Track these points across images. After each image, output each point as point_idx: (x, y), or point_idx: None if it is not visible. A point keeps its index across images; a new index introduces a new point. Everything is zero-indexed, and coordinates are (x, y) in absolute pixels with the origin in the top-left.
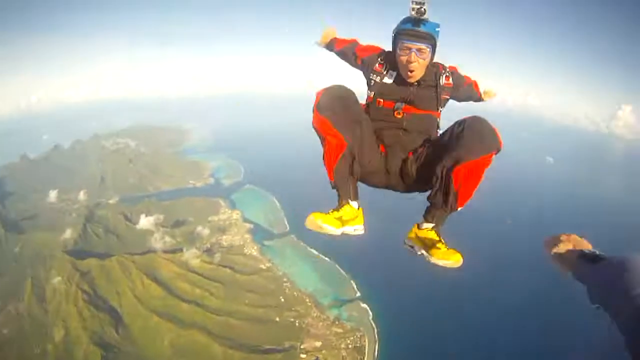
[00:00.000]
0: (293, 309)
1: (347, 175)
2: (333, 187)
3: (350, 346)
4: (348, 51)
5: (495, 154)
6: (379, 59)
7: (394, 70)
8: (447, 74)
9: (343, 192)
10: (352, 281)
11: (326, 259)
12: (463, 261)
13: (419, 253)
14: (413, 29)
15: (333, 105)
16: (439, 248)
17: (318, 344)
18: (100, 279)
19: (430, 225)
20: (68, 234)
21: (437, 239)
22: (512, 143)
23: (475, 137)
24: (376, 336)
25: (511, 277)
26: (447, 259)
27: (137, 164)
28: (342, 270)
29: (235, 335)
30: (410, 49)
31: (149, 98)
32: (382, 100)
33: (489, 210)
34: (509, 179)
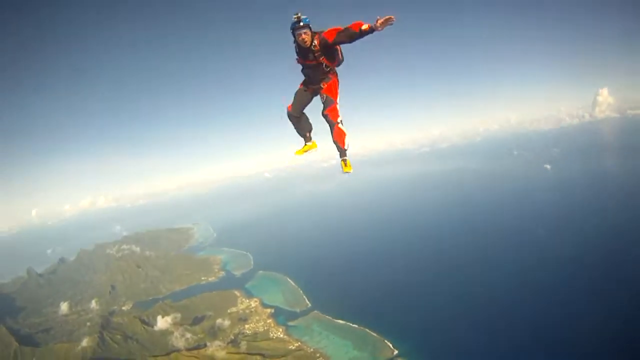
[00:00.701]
0: None
1: (298, 127)
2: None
3: None
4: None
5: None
6: (296, 58)
7: (299, 49)
8: (316, 39)
9: (303, 137)
10: (385, 341)
11: (354, 325)
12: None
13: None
14: (298, 24)
15: (292, 111)
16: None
17: None
18: None
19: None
20: (85, 342)
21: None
22: (506, 162)
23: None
24: None
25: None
26: (347, 169)
27: (146, 267)
28: (373, 333)
29: None
30: (300, 31)
31: (141, 205)
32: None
33: (513, 225)
34: (515, 194)
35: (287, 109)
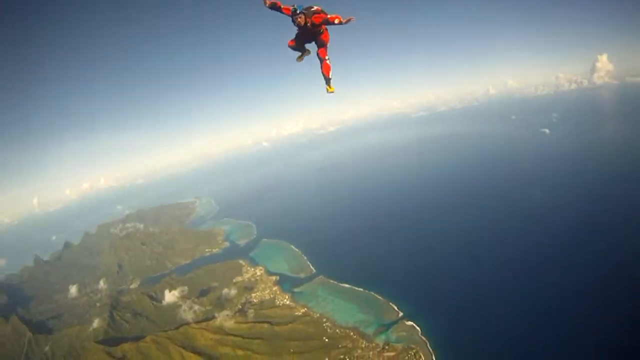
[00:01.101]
0: (340, 345)
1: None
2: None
3: None
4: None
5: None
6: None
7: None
8: (308, 21)
9: (303, 52)
10: (391, 303)
11: (359, 289)
12: None
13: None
14: (295, 13)
15: (295, 42)
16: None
17: None
18: None
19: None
20: (96, 324)
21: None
22: (504, 126)
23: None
24: (430, 349)
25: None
26: (331, 90)
27: (151, 244)
28: (378, 296)
29: None
30: (296, 17)
31: (140, 184)
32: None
33: (513, 187)
34: (513, 156)
35: (288, 43)
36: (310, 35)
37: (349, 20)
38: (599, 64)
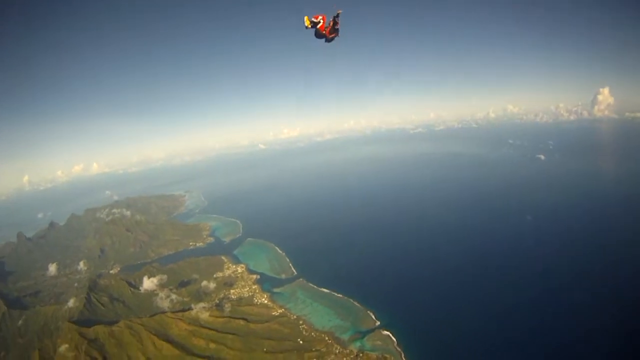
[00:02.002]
0: (314, 349)
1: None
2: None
3: None
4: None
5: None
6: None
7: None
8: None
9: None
10: (368, 311)
11: (339, 295)
12: None
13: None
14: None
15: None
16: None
17: None
18: (110, 345)
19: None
20: (72, 303)
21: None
22: (501, 149)
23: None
24: None
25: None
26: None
27: (135, 232)
28: (357, 304)
29: None
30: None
31: (133, 172)
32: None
33: (503, 208)
34: (508, 180)
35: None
36: (322, 34)
37: (338, 15)
38: (600, 97)
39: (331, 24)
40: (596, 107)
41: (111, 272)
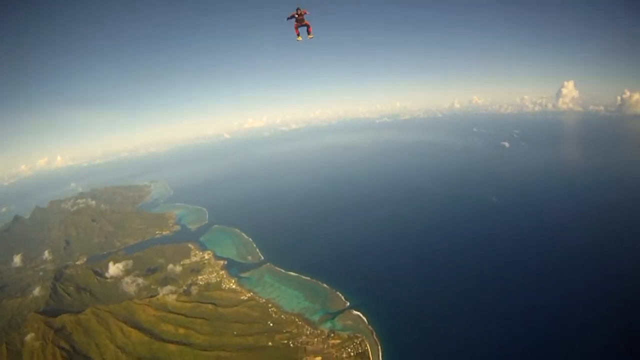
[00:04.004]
0: (285, 331)
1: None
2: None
3: (352, 354)
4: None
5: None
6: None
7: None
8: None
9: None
10: (338, 293)
11: (306, 277)
12: None
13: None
14: (299, 9)
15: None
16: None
17: (318, 359)
18: (77, 334)
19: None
20: (37, 292)
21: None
22: (466, 137)
23: None
24: (376, 339)
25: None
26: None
27: (101, 222)
28: (325, 285)
29: None
30: (299, 11)
31: (98, 164)
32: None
33: (470, 191)
34: (473, 165)
35: (294, 26)
36: (301, 21)
37: (304, 13)
38: (564, 90)
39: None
40: (561, 100)
41: (77, 263)
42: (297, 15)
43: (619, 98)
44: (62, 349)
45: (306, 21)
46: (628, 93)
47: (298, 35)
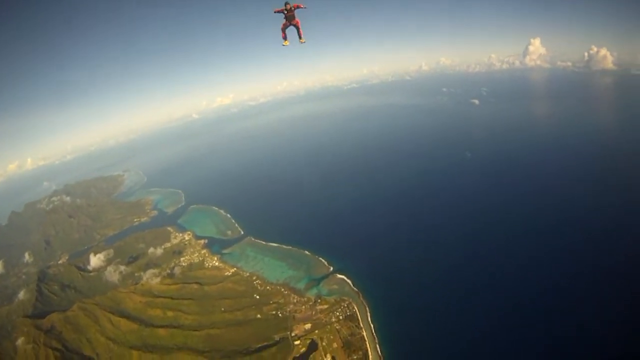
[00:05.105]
0: (272, 302)
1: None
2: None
3: (341, 317)
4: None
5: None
6: (284, 11)
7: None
8: (293, 6)
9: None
10: (320, 259)
11: (288, 247)
12: None
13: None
14: (287, 4)
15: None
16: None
17: (308, 326)
18: (67, 331)
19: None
20: (22, 295)
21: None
22: (436, 98)
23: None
24: (363, 300)
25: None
26: (303, 41)
27: (78, 216)
28: (307, 252)
29: (222, 345)
30: (287, 6)
31: (69, 160)
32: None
33: (442, 148)
34: (445, 123)
35: (281, 28)
36: (291, 15)
37: (297, 7)
38: (531, 47)
39: (293, 8)
40: (528, 57)
41: (60, 262)
42: (285, 11)
43: (586, 54)
44: (55, 349)
45: (297, 20)
46: (595, 49)
47: (285, 39)
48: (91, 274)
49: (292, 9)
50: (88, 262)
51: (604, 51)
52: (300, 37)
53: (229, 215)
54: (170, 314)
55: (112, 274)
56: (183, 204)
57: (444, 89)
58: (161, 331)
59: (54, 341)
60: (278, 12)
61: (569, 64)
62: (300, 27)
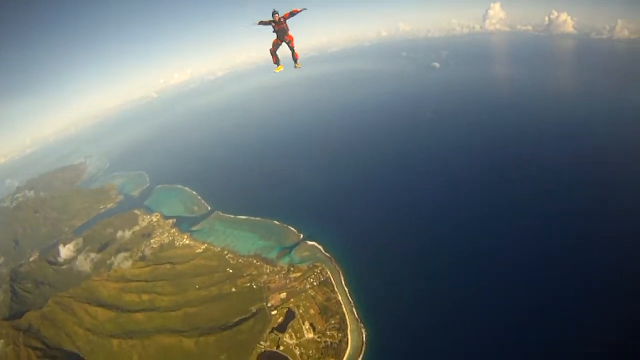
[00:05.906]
0: (245, 274)
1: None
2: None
3: (315, 284)
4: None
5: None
6: (272, 24)
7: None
8: (282, 17)
9: (276, 60)
10: (290, 227)
11: (257, 218)
12: None
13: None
14: (276, 14)
15: (272, 49)
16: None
17: (283, 295)
18: (46, 328)
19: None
20: None
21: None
22: (396, 63)
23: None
24: (336, 265)
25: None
26: (299, 66)
27: (44, 211)
28: (276, 222)
29: (201, 322)
30: (276, 17)
31: (29, 154)
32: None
33: (405, 110)
34: (406, 87)
35: (270, 50)
36: (282, 32)
37: (295, 12)
38: (491, 12)
39: (284, 18)
40: (488, 22)
41: (31, 260)
42: (274, 24)
43: (546, 18)
44: (35, 348)
45: (290, 35)
46: (556, 13)
47: (277, 63)
48: (63, 267)
49: (283, 19)
50: (58, 254)
51: (564, 16)
52: (295, 62)
53: (195, 192)
54: (146, 297)
55: (84, 263)
56: (148, 185)
57: (404, 54)
58: (139, 316)
59: (34, 340)
60: (263, 24)
61: (530, 28)
62: (294, 46)
